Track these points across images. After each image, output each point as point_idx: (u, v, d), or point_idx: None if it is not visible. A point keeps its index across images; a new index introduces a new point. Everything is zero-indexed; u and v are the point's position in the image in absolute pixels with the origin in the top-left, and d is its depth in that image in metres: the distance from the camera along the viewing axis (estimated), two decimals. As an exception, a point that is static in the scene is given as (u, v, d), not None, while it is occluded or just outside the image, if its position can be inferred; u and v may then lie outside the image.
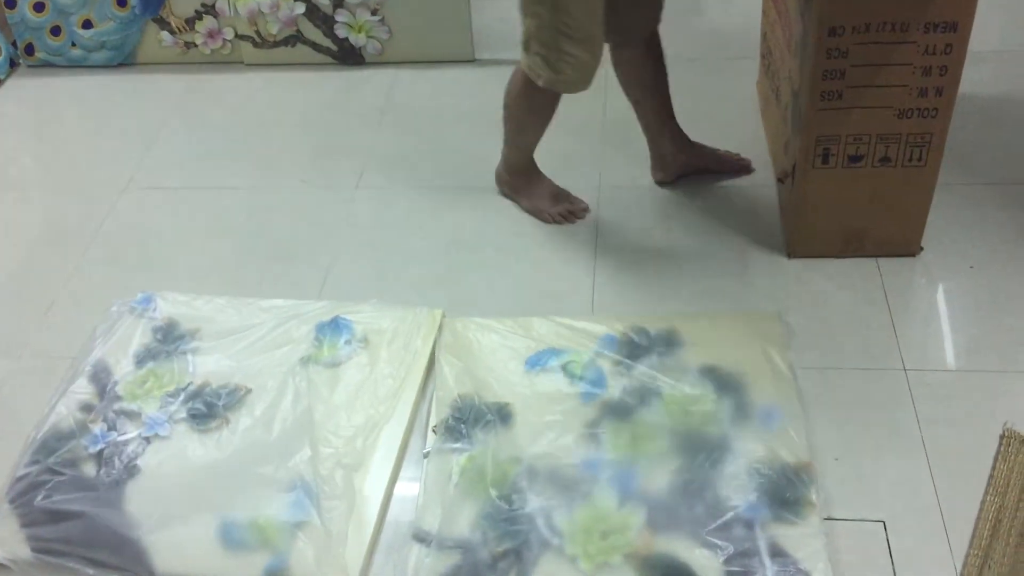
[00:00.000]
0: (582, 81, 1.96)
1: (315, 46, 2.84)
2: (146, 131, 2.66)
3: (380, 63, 2.84)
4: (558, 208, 2.23)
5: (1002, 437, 1.67)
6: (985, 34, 1.94)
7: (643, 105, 2.21)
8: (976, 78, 2.13)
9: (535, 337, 1.88)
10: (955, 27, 1.72)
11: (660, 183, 2.30)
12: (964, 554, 1.53)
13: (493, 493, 1.62)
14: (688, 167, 2.29)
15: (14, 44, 2.94)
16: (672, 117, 2.24)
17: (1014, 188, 2.18)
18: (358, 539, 1.59)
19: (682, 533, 1.54)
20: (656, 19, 2.09)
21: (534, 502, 1.61)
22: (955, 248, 2.04)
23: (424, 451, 1.72)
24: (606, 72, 2.67)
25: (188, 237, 2.30)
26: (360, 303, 2.00)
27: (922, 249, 2.04)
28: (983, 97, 2.41)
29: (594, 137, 2.47)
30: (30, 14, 2.88)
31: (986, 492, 1.60)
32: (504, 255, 2.16)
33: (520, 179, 2.26)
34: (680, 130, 2.26)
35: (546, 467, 1.66)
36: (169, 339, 1.95)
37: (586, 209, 2.24)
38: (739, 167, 2.31)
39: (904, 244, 2.03)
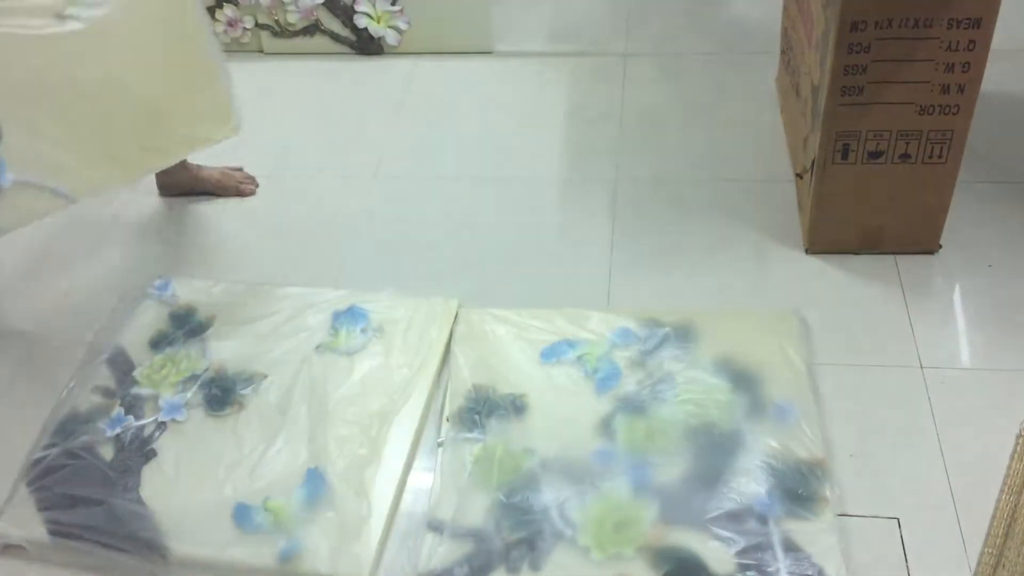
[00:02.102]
0: None
1: (334, 36, 2.85)
2: (165, 118, 2.67)
3: (399, 54, 2.84)
4: None
5: (1018, 436, 1.66)
6: (1008, 32, 1.92)
7: None
8: (999, 76, 2.11)
9: (550, 329, 1.89)
10: (979, 23, 1.71)
11: (162, 196, 2.37)
12: (978, 552, 1.52)
13: (507, 483, 1.63)
14: (186, 188, 2.35)
15: (35, 30, 2.95)
16: None
17: (1035, 187, 2.17)
18: (372, 526, 1.60)
19: (695, 526, 1.54)
20: None
21: (548, 493, 1.61)
22: (974, 246, 2.03)
23: (439, 440, 1.73)
24: (625, 64, 2.69)
25: (206, 223, 2.31)
26: (376, 292, 2.00)
27: (941, 247, 2.03)
28: (1005, 95, 2.39)
29: (612, 129, 2.47)
30: (52, 0, 2.89)
31: (1001, 491, 1.59)
32: (520, 246, 2.16)
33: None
34: None
35: (560, 458, 1.66)
36: (186, 324, 1.96)
37: None
38: (239, 191, 2.36)
39: (923, 241, 2.02)
